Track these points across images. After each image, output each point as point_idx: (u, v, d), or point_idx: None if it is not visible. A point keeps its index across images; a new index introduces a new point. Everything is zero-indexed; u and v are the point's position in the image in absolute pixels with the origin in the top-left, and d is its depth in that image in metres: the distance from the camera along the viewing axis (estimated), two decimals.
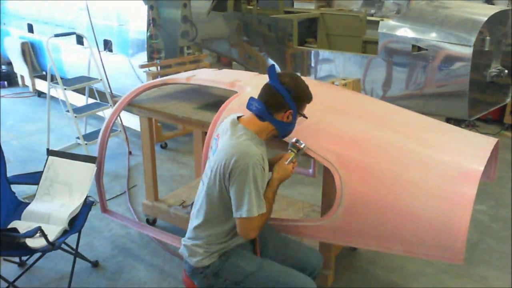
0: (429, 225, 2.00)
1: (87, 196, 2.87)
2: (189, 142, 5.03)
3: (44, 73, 6.59)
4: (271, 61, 5.59)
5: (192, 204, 2.33)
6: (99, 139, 3.04)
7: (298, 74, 2.26)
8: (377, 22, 4.66)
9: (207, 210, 2.05)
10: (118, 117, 4.04)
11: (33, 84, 6.67)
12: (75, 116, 4.40)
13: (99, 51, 4.90)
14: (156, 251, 3.21)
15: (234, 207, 1.94)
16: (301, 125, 2.31)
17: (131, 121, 4.98)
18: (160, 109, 3.06)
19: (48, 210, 2.79)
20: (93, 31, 4.96)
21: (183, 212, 3.25)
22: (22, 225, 2.67)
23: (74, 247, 2.82)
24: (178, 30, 5.06)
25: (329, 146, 2.25)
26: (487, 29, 3.88)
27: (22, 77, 6.98)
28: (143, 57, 4.94)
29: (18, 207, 2.87)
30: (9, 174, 2.94)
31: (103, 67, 4.75)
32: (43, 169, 2.94)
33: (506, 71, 4.06)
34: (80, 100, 5.34)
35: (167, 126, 5.21)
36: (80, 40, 5.51)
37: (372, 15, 6.91)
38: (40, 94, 6.66)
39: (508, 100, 4.52)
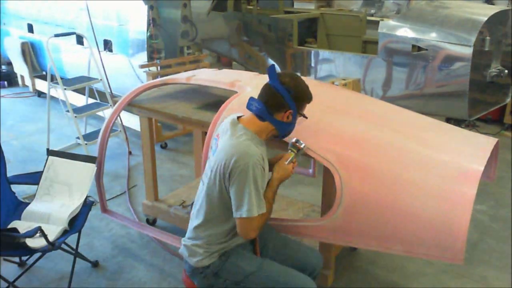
0: (429, 225, 2.00)
1: (87, 196, 2.87)
2: (189, 142, 5.03)
3: (44, 73, 6.59)
4: (271, 61, 5.59)
5: (192, 204, 2.33)
6: (99, 139, 3.04)
7: (298, 74, 2.26)
8: (377, 22, 4.66)
9: (207, 210, 2.05)
10: (118, 117, 4.04)
11: (33, 84, 6.67)
12: (75, 116, 4.40)
13: (99, 51, 4.90)
14: (156, 251, 3.21)
15: (234, 207, 1.94)
16: (301, 125, 2.31)
17: (131, 121, 4.98)
18: (160, 109, 3.06)
19: (48, 210, 2.79)
20: (93, 31, 4.96)
21: (183, 212, 3.25)
22: (22, 225, 2.67)
23: (74, 247, 2.82)
24: (178, 30, 5.06)
25: (329, 146, 2.25)
26: (487, 29, 3.88)
27: (22, 77, 6.98)
28: (143, 57, 4.94)
29: (18, 207, 2.87)
30: (9, 174, 2.94)
31: (103, 67, 4.75)
32: (43, 169, 2.94)
33: (506, 71, 4.06)
34: (80, 100, 5.34)
35: (167, 126, 5.21)
36: (80, 40, 5.51)
37: (372, 15, 6.90)
38: (40, 94, 6.66)
39: (508, 100, 4.52)
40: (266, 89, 2.04)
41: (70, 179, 2.92)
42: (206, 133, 2.56)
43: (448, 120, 4.78)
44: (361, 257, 3.17)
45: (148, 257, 3.16)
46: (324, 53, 4.96)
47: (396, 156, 2.19)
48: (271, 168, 2.12)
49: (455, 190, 2.02)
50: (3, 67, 7.34)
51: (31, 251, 2.55)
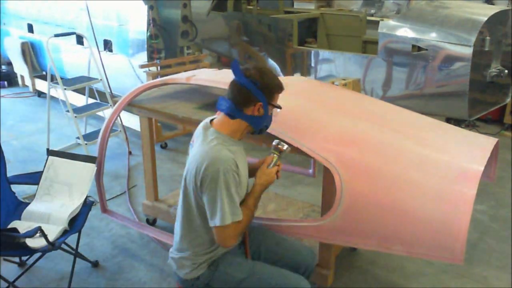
0: (429, 225, 2.00)
1: (87, 196, 2.87)
2: (189, 142, 5.01)
3: (44, 73, 6.58)
4: (271, 61, 5.59)
5: None
6: (99, 139, 3.04)
7: (298, 74, 2.26)
8: (377, 22, 4.66)
9: (187, 221, 2.02)
10: (118, 117, 4.04)
11: (33, 84, 6.66)
12: (75, 116, 4.40)
13: (99, 51, 4.90)
14: (156, 251, 3.21)
15: (208, 215, 1.90)
16: (301, 125, 2.31)
17: (131, 121, 4.98)
18: (160, 109, 3.06)
19: (48, 210, 2.79)
20: (93, 31, 4.96)
21: None
22: (22, 225, 2.67)
23: (74, 247, 2.82)
24: (178, 30, 5.06)
25: (329, 146, 2.24)
26: (487, 29, 3.88)
27: (22, 77, 6.98)
28: (143, 57, 4.94)
29: (18, 207, 2.87)
30: (9, 174, 2.94)
31: (103, 67, 4.75)
32: (43, 169, 2.94)
33: (506, 71, 4.06)
34: (80, 100, 5.34)
35: (167, 126, 5.21)
36: (80, 40, 5.51)
37: (372, 15, 6.91)
38: (40, 94, 6.66)
39: (508, 100, 4.52)
40: (232, 85, 1.97)
41: (70, 179, 2.92)
42: None
43: (448, 120, 4.78)
44: (361, 257, 3.17)
45: (148, 257, 3.16)
46: (324, 53, 4.96)
47: (396, 156, 2.19)
48: (253, 174, 2.09)
49: (455, 190, 2.02)
50: (3, 67, 7.34)
51: (31, 251, 2.54)
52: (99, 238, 3.36)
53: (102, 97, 5.14)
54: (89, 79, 4.75)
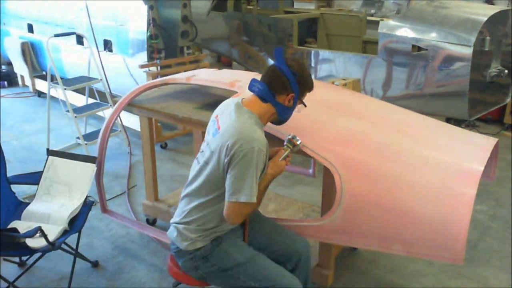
0: (429, 225, 2.00)
1: (87, 196, 2.87)
2: (189, 142, 5.03)
3: (44, 73, 6.58)
4: (271, 61, 5.60)
5: None
6: (99, 139, 3.04)
7: None
8: (377, 22, 4.66)
9: (204, 193, 2.03)
10: (118, 117, 4.04)
11: (33, 84, 6.66)
12: (75, 116, 4.40)
13: (98, 51, 4.90)
14: (156, 251, 3.21)
15: (230, 190, 1.90)
16: (301, 124, 2.31)
17: (131, 121, 4.98)
18: (160, 109, 3.06)
19: (48, 210, 2.79)
20: (93, 31, 4.96)
21: None
22: (22, 225, 2.67)
23: (74, 247, 2.82)
24: (178, 30, 5.06)
25: (329, 146, 2.25)
26: (487, 29, 3.88)
27: (22, 77, 6.98)
28: (143, 57, 4.94)
29: (18, 207, 2.86)
30: (9, 174, 2.94)
31: (103, 67, 4.75)
32: (43, 169, 2.94)
33: (506, 71, 4.06)
34: (80, 100, 5.34)
35: (167, 126, 5.21)
36: (80, 40, 5.51)
37: (372, 15, 6.91)
38: (40, 94, 6.66)
39: (508, 100, 4.52)
40: (271, 70, 2.02)
41: (70, 179, 2.92)
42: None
43: (448, 120, 4.78)
44: (361, 257, 3.17)
45: (148, 257, 3.16)
46: (324, 53, 4.96)
47: (396, 156, 2.19)
48: None
49: (455, 190, 2.02)
50: (3, 67, 7.34)
51: (31, 251, 2.55)
52: (99, 238, 3.36)
53: (102, 97, 5.14)
54: (89, 79, 4.75)
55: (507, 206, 3.88)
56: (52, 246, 2.50)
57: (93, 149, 4.11)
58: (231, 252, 2.06)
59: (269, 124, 2.13)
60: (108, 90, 4.71)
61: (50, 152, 3.00)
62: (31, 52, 6.55)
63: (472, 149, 2.25)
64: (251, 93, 2.08)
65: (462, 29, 3.90)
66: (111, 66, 5.08)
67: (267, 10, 6.30)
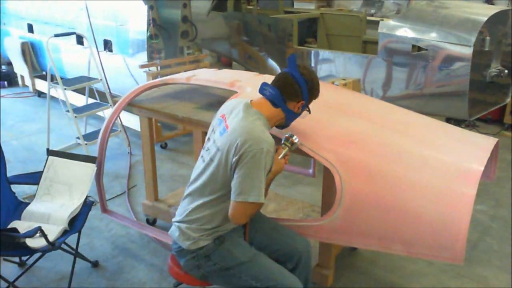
0: (429, 225, 2.01)
1: (87, 196, 2.87)
2: (189, 142, 5.03)
3: (44, 73, 6.58)
4: (271, 61, 5.60)
5: None
6: (99, 139, 3.04)
7: None
8: (377, 22, 4.66)
9: (208, 192, 2.04)
10: (118, 117, 4.04)
11: (33, 84, 6.66)
12: (75, 116, 4.40)
13: (98, 51, 4.89)
14: (156, 251, 3.21)
15: (238, 190, 1.90)
16: (301, 124, 2.31)
17: (131, 121, 4.98)
18: (160, 109, 3.06)
19: (48, 210, 2.79)
20: (92, 31, 4.96)
21: None
22: (22, 225, 2.67)
23: (74, 247, 2.82)
24: (178, 30, 5.06)
25: (329, 146, 2.25)
26: (487, 29, 3.88)
27: (22, 77, 6.98)
28: (143, 57, 4.94)
29: (18, 207, 2.86)
30: (9, 174, 2.94)
31: (102, 67, 4.75)
32: (43, 169, 2.94)
33: (506, 71, 4.06)
34: (80, 100, 5.34)
35: (167, 126, 5.21)
36: (80, 40, 5.51)
37: (372, 15, 6.92)
38: (40, 94, 6.66)
39: (508, 100, 4.53)
40: (284, 76, 2.05)
41: (70, 179, 2.92)
42: (206, 133, 2.56)
43: (448, 120, 4.79)
44: (361, 257, 3.17)
45: (148, 257, 3.16)
46: (324, 53, 4.96)
47: (396, 156, 2.19)
48: None
49: (455, 190, 2.02)
50: (3, 67, 7.33)
51: (31, 251, 2.55)
52: (99, 238, 3.36)
53: (102, 97, 5.14)
54: (89, 79, 4.75)
55: (507, 206, 3.88)
56: (52, 246, 2.50)
57: (93, 149, 4.11)
58: (234, 251, 2.06)
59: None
60: (108, 90, 4.71)
61: (50, 152, 3.00)
62: (31, 52, 6.55)
63: (472, 149, 2.25)
64: (259, 95, 2.08)
65: (462, 29, 3.90)
66: (111, 66, 5.08)
67: (267, 10, 6.30)
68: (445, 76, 4.02)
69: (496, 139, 2.35)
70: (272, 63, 5.57)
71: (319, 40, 5.76)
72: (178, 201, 3.38)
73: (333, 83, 3.77)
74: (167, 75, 3.84)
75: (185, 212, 2.11)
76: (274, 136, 2.01)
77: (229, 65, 7.49)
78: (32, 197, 2.94)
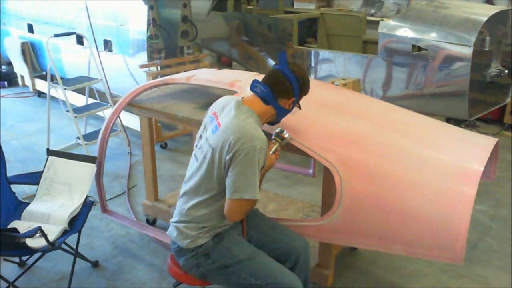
0: (429, 225, 2.00)
1: (87, 196, 2.87)
2: (189, 142, 5.03)
3: (44, 73, 6.58)
4: (271, 61, 5.59)
5: None
6: (99, 139, 3.04)
7: None
8: (377, 22, 4.66)
9: (203, 190, 2.04)
10: (118, 117, 4.04)
11: (33, 84, 6.66)
12: (75, 116, 4.40)
13: (98, 51, 4.89)
14: (156, 251, 3.21)
15: (233, 187, 1.91)
16: (301, 124, 2.31)
17: (131, 121, 4.98)
18: (160, 109, 3.06)
19: (48, 210, 2.79)
20: (92, 31, 4.95)
21: None
22: (22, 225, 2.67)
23: (74, 247, 2.82)
24: (178, 30, 5.06)
25: (329, 146, 2.25)
26: (487, 29, 3.88)
27: (22, 77, 6.98)
28: (143, 57, 4.94)
29: (18, 207, 2.87)
30: (9, 174, 2.94)
31: (102, 67, 4.75)
32: (43, 169, 2.94)
33: (506, 71, 4.06)
34: (80, 100, 5.34)
35: (167, 126, 5.21)
36: (80, 40, 5.51)
37: (372, 15, 6.92)
38: (40, 94, 6.66)
39: (508, 100, 4.52)
40: (274, 74, 2.05)
41: (70, 179, 2.92)
42: None
43: (448, 120, 4.78)
44: (361, 257, 3.17)
45: (148, 257, 3.16)
46: (324, 53, 4.96)
47: (396, 156, 2.19)
48: None
49: (455, 190, 2.02)
50: (3, 67, 7.33)
51: (31, 251, 2.55)
52: (99, 238, 3.36)
53: (102, 97, 5.14)
54: (89, 79, 4.75)
55: (507, 206, 3.88)
56: (52, 246, 2.50)
57: (93, 149, 4.11)
58: (232, 249, 2.07)
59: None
60: (108, 90, 4.71)
61: (50, 152, 3.00)
62: (31, 52, 6.55)
63: (472, 149, 2.25)
64: (251, 93, 2.09)
65: (462, 29, 3.90)
66: (111, 66, 5.08)
67: (267, 10, 6.29)
68: (445, 76, 4.02)
69: (496, 139, 2.35)
70: (272, 63, 5.57)
71: (319, 40, 5.75)
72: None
73: (333, 83, 3.77)
74: (167, 75, 3.84)
75: (182, 212, 2.12)
76: (265, 132, 2.02)
77: (229, 65, 7.49)
78: (32, 197, 2.94)
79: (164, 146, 5.00)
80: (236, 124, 1.94)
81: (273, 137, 2.15)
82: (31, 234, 2.38)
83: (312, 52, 5.02)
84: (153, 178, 3.45)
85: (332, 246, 2.74)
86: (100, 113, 4.89)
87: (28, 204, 2.89)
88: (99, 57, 4.76)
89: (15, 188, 2.96)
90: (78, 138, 4.42)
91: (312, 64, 5.03)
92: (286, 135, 2.14)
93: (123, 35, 5.13)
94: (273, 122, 2.17)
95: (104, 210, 3.16)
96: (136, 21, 4.96)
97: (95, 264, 3.04)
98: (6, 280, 2.58)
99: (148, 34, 4.82)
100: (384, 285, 2.92)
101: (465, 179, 2.02)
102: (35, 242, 2.50)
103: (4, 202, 2.80)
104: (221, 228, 2.10)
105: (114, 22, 5.19)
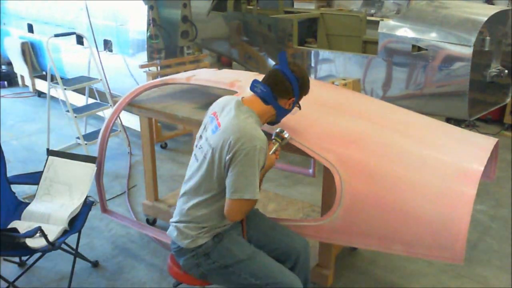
0: (429, 225, 2.00)
1: (87, 196, 2.87)
2: (189, 142, 5.03)
3: (44, 73, 6.58)
4: (271, 61, 5.59)
5: None
6: (99, 139, 3.04)
7: None
8: (377, 22, 4.66)
9: (203, 190, 2.05)
10: (118, 117, 4.04)
11: (33, 84, 6.66)
12: (75, 116, 4.40)
13: (98, 51, 4.89)
14: (156, 251, 3.21)
15: (233, 187, 1.91)
16: (301, 124, 2.31)
17: (131, 121, 4.98)
18: (160, 109, 3.06)
19: (48, 210, 2.79)
20: (92, 31, 4.95)
21: None
22: (22, 225, 2.67)
23: (74, 247, 2.82)
24: (178, 30, 5.06)
25: (329, 146, 2.25)
26: (487, 29, 3.88)
27: (22, 77, 6.98)
28: (143, 57, 4.94)
29: (18, 207, 2.87)
30: (9, 174, 2.94)
31: (102, 67, 4.75)
32: (43, 169, 2.94)
33: (506, 71, 4.06)
34: (80, 100, 5.34)
35: (167, 126, 5.21)
36: (80, 40, 5.51)
37: (372, 15, 6.92)
38: (40, 94, 6.66)
39: (508, 100, 4.52)
40: (274, 74, 2.06)
41: (70, 179, 2.92)
42: None
43: (448, 120, 4.78)
44: (361, 257, 3.17)
45: (148, 257, 3.16)
46: (324, 53, 4.96)
47: (396, 156, 2.19)
48: None
49: (455, 190, 2.02)
50: (3, 67, 7.33)
51: (31, 251, 2.55)
52: (99, 238, 3.36)
53: (102, 97, 5.14)
54: (89, 79, 4.75)
55: (507, 206, 3.88)
56: (52, 246, 2.50)
57: (93, 149, 4.11)
58: (232, 249, 2.07)
59: None
60: (108, 90, 4.71)
61: (50, 152, 3.00)
62: (31, 52, 6.55)
63: (472, 149, 2.25)
64: (251, 93, 2.09)
65: (462, 29, 3.90)
66: (111, 66, 5.08)
67: (267, 10, 6.29)
68: (445, 76, 4.02)
69: (496, 139, 2.35)
70: (272, 63, 5.57)
71: (319, 40, 5.75)
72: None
73: (333, 83, 3.77)
74: (167, 75, 3.84)
75: (182, 212, 2.12)
76: (265, 132, 2.02)
77: (229, 65, 7.49)
78: (32, 197, 2.94)
79: (164, 146, 5.00)
80: (236, 124, 1.94)
81: (273, 137, 2.15)
82: (31, 234, 2.38)
83: (312, 52, 5.02)
84: (153, 178, 3.45)
85: (332, 246, 2.74)
86: (100, 113, 4.89)
87: (28, 204, 2.89)
88: (99, 57, 4.76)
89: (15, 188, 2.96)
90: (78, 138, 4.42)
91: (312, 64, 5.03)
92: (286, 135, 2.14)
93: (123, 35, 5.13)
94: (273, 122, 2.16)
95: (104, 210, 3.16)
96: (136, 21, 4.96)
97: (95, 264, 3.04)
98: (6, 280, 2.58)
99: (148, 34, 4.82)
100: (384, 285, 2.92)
101: (465, 179, 2.02)
102: (35, 242, 2.50)
103: (4, 202, 2.80)
104: (221, 228, 2.10)
105: (114, 22, 5.19)
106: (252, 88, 2.08)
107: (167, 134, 5.07)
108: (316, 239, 2.44)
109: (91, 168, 2.90)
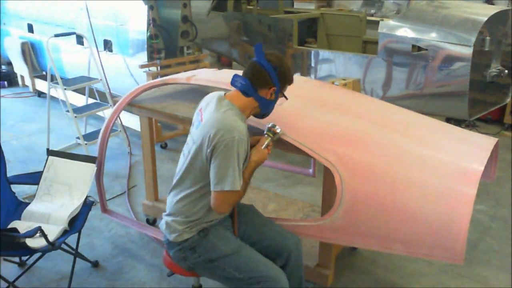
0: (429, 225, 2.01)
1: (87, 196, 2.87)
2: None
3: (44, 73, 6.58)
4: None
5: None
6: (99, 139, 3.04)
7: (298, 74, 2.28)
8: (377, 22, 4.66)
9: (189, 184, 2.08)
10: (118, 117, 4.04)
11: (33, 84, 6.66)
12: (75, 116, 4.40)
13: (98, 51, 4.89)
14: (156, 251, 3.21)
15: (214, 180, 1.95)
16: (301, 125, 2.31)
17: (131, 121, 4.98)
18: (160, 109, 3.06)
19: (48, 210, 2.79)
20: (92, 31, 4.95)
21: None
22: (22, 225, 2.67)
23: (74, 247, 2.82)
24: (178, 30, 5.06)
25: (329, 146, 2.25)
26: (487, 29, 3.88)
27: (22, 77, 6.98)
28: (143, 57, 4.94)
29: (18, 207, 2.87)
30: (9, 174, 2.94)
31: (102, 67, 4.75)
32: (43, 169, 2.94)
33: (506, 71, 4.06)
34: (80, 100, 5.34)
35: (167, 126, 5.21)
36: (80, 40, 5.51)
37: (372, 15, 6.92)
38: (40, 94, 6.66)
39: (508, 100, 4.53)
40: (252, 65, 2.08)
41: (70, 179, 2.92)
42: None
43: (448, 120, 4.78)
44: (361, 257, 3.17)
45: (148, 257, 3.16)
46: (324, 53, 4.96)
47: (396, 156, 2.19)
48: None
49: (455, 190, 2.02)
50: (3, 67, 7.33)
51: (31, 251, 2.54)
52: (99, 238, 3.36)
53: (102, 97, 5.14)
54: (89, 79, 4.75)
55: (507, 206, 3.88)
56: (52, 246, 2.50)
57: (93, 149, 4.11)
58: (217, 244, 2.10)
59: (252, 117, 2.18)
60: (108, 90, 4.71)
61: (50, 152, 3.00)
62: (31, 52, 6.55)
63: (472, 149, 2.25)
64: (234, 88, 2.12)
65: (462, 29, 3.90)
66: (111, 66, 5.08)
67: (267, 10, 6.30)
68: (445, 76, 4.02)
69: (496, 139, 2.35)
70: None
71: (319, 40, 5.76)
72: None
73: (333, 83, 3.77)
74: (167, 75, 3.84)
75: (171, 204, 2.17)
76: (257, 128, 2.01)
77: (229, 65, 7.49)
78: (32, 197, 2.94)
79: (164, 146, 5.00)
80: (215, 117, 1.98)
81: (265, 132, 2.17)
82: (31, 234, 2.38)
83: (312, 52, 5.02)
84: (153, 178, 3.45)
85: (332, 246, 2.74)
86: (100, 113, 4.89)
87: (28, 204, 2.89)
88: (99, 57, 4.76)
89: (15, 188, 2.96)
90: (78, 138, 4.42)
91: (312, 64, 5.03)
92: (278, 130, 2.15)
93: (123, 35, 5.13)
94: (260, 114, 2.17)
95: (104, 210, 3.16)
96: (136, 21, 4.95)
97: (95, 264, 3.04)
98: (6, 280, 2.58)
99: (148, 34, 4.81)
100: (384, 285, 2.92)
101: (465, 179, 2.02)
102: (35, 242, 2.50)
103: (4, 202, 2.79)
104: (207, 223, 2.13)
105: (114, 22, 5.19)
106: (233, 83, 2.10)
107: (167, 134, 5.07)
108: (316, 239, 2.44)
109: (91, 168, 2.90)
